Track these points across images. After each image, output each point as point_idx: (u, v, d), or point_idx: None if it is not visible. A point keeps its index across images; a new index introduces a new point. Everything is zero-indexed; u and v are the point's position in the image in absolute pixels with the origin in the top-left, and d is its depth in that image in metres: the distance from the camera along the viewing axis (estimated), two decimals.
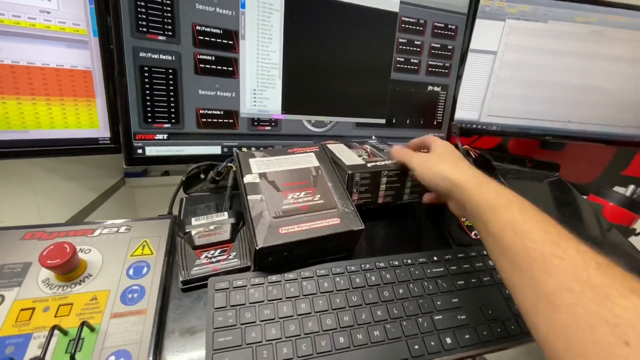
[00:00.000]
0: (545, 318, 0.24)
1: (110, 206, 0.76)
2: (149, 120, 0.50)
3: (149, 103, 0.50)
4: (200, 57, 0.51)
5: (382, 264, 0.41)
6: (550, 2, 0.68)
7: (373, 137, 0.64)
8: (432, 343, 0.35)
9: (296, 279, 0.38)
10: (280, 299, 0.36)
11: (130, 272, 0.38)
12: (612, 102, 0.75)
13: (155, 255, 0.40)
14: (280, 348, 0.33)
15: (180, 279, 0.37)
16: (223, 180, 0.51)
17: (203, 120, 0.54)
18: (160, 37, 0.48)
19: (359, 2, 0.58)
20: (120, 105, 0.48)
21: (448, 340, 0.36)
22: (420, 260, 0.42)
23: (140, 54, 0.48)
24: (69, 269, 0.36)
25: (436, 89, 0.68)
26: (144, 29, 0.47)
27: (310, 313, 0.35)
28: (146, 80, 0.49)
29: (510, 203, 0.31)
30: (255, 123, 0.58)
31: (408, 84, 0.66)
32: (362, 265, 0.40)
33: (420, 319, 0.37)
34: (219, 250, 0.40)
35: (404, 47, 0.63)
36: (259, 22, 0.53)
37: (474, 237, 0.48)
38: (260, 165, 0.44)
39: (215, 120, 0.55)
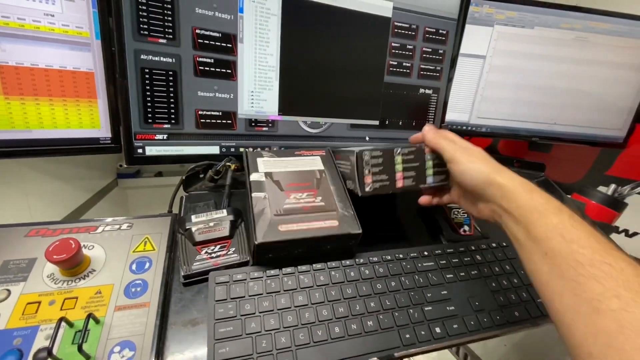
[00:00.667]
0: (585, 322, 0.24)
1: (103, 207, 0.76)
2: (149, 120, 0.52)
3: (149, 104, 0.51)
4: (200, 59, 0.53)
5: (375, 259, 0.43)
6: (537, 9, 0.71)
7: (367, 138, 0.66)
8: (422, 332, 0.37)
9: (293, 273, 0.40)
10: (279, 291, 0.38)
11: (133, 267, 0.40)
12: (596, 105, 0.79)
13: (157, 251, 0.42)
14: (278, 337, 0.34)
15: (182, 274, 0.39)
16: (221, 179, 0.53)
17: (202, 121, 0.55)
18: (161, 40, 0.50)
19: (353, 7, 0.60)
20: (121, 106, 0.49)
21: (437, 329, 0.38)
22: (411, 255, 0.44)
23: (142, 57, 0.49)
24: (74, 264, 0.37)
25: (428, 91, 0.70)
26: (145, 33, 0.49)
27: (307, 305, 0.37)
28: (147, 82, 0.50)
29: (559, 210, 0.30)
30: (253, 124, 0.59)
31: (400, 86, 0.68)
32: (357, 260, 0.42)
33: (411, 310, 0.39)
34: (218, 246, 0.42)
35: (396, 51, 0.65)
36: (256, 26, 0.55)
37: (462, 233, 0.50)
38: (267, 165, 0.46)
39: (214, 121, 0.56)
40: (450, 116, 0.75)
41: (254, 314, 0.36)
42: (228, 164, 0.52)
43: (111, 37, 0.47)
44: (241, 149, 0.59)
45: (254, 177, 0.43)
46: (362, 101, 0.66)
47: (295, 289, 0.38)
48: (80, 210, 0.67)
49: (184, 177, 0.52)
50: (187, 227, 0.42)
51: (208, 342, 0.33)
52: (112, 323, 0.35)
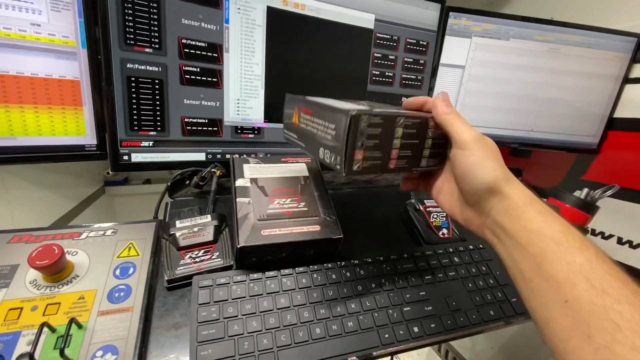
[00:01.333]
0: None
1: (90, 215, 0.76)
2: (135, 128, 0.53)
3: (135, 112, 0.52)
4: (186, 68, 0.54)
5: (356, 261, 0.44)
6: (512, 22, 0.75)
7: None
8: (401, 332, 0.38)
9: (276, 276, 0.41)
10: (261, 294, 0.39)
11: (117, 272, 0.40)
12: (570, 113, 0.82)
13: (141, 257, 0.42)
14: (260, 339, 0.35)
15: (166, 278, 0.39)
16: (207, 185, 0.54)
17: (188, 128, 0.56)
18: (147, 50, 0.51)
19: (336, 19, 0.62)
20: (107, 114, 0.50)
21: (415, 329, 0.39)
22: (391, 257, 0.46)
23: (128, 65, 0.50)
24: (57, 270, 0.37)
25: None
26: (132, 42, 0.50)
27: (289, 307, 0.38)
28: (133, 90, 0.51)
29: (583, 244, 0.24)
30: (239, 131, 0.60)
31: (383, 95, 0.70)
32: (338, 262, 0.43)
33: (390, 311, 0.40)
34: (202, 251, 0.42)
35: (379, 61, 0.68)
36: (242, 36, 0.57)
37: (441, 236, 0.52)
38: (252, 171, 0.47)
39: (200, 128, 0.57)
40: None
41: (237, 316, 0.36)
42: (213, 170, 0.53)
43: (97, 46, 0.48)
44: (227, 156, 0.60)
45: (239, 182, 0.44)
46: None
47: (278, 291, 0.39)
48: (65, 218, 0.67)
49: (169, 184, 0.53)
50: (172, 233, 0.43)
51: (190, 344, 0.34)
52: (95, 328, 0.35)
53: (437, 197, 0.35)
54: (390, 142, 0.32)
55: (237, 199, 0.42)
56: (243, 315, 0.37)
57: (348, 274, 0.43)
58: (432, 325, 0.40)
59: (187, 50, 0.53)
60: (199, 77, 0.55)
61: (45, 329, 0.33)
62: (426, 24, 0.70)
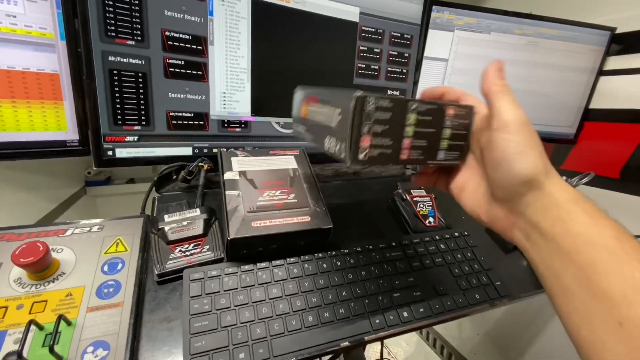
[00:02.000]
0: None
1: (70, 217, 0.73)
2: (119, 122, 0.51)
3: (118, 106, 0.51)
4: (170, 61, 0.53)
5: (346, 250, 0.45)
6: (493, 15, 0.77)
7: None
8: (391, 317, 0.40)
9: (267, 267, 0.41)
10: (253, 285, 0.39)
11: (105, 268, 0.40)
12: (549, 104, 0.85)
13: (130, 252, 0.42)
14: (254, 329, 0.35)
15: (156, 272, 0.39)
16: (194, 179, 0.53)
17: (173, 122, 0.56)
18: (130, 42, 0.50)
19: (322, 12, 0.62)
20: (89, 108, 0.49)
21: (405, 314, 0.40)
22: (380, 245, 0.47)
23: (110, 58, 0.49)
24: (42, 267, 0.37)
25: (395, 93, 0.74)
26: (113, 34, 0.48)
27: (281, 296, 0.39)
28: (115, 83, 0.50)
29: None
30: (226, 125, 0.60)
31: (369, 88, 0.71)
32: (329, 252, 0.44)
33: (380, 297, 0.41)
34: (192, 244, 0.42)
35: (364, 54, 0.68)
36: (227, 29, 0.56)
37: (427, 224, 0.53)
38: (241, 164, 0.47)
39: (186, 122, 0.57)
40: None
41: (229, 307, 0.37)
42: (201, 164, 0.53)
43: (77, 38, 0.47)
44: (214, 150, 0.60)
45: (228, 175, 0.44)
46: None
47: (270, 282, 0.40)
48: (45, 221, 0.64)
49: (156, 178, 0.52)
50: (160, 227, 0.42)
51: (184, 337, 0.34)
52: (85, 324, 0.34)
53: (459, 195, 0.31)
54: (401, 130, 0.28)
55: (226, 192, 0.42)
56: (236, 306, 0.37)
57: (338, 263, 0.43)
58: (421, 310, 0.41)
59: (171, 43, 0.53)
60: (184, 70, 0.54)
61: (33, 327, 0.33)
62: (410, 18, 0.71)
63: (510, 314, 1.08)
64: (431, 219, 0.54)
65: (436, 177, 0.35)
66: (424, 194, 0.58)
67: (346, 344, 0.36)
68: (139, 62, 0.51)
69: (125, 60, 0.50)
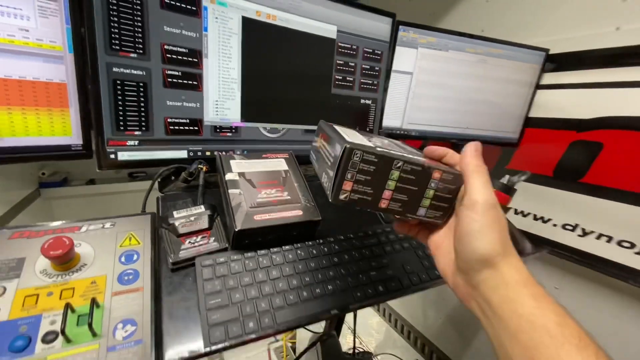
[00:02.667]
0: None
1: (23, 221, 0.70)
2: (121, 128, 0.56)
3: (121, 113, 0.55)
4: (169, 72, 0.58)
5: (331, 239, 0.53)
6: (449, 35, 0.88)
7: None
8: (369, 291, 0.49)
9: (267, 254, 0.48)
10: (256, 269, 0.46)
11: (122, 259, 0.45)
12: (497, 113, 0.99)
13: (142, 245, 0.47)
14: (259, 303, 0.43)
15: (170, 261, 0.45)
16: (194, 180, 0.59)
17: (171, 127, 0.61)
18: (132, 55, 0.54)
19: (304, 29, 0.70)
20: (94, 115, 0.53)
21: (380, 288, 0.49)
22: (359, 234, 0.56)
23: (114, 69, 0.53)
24: (68, 259, 0.41)
25: (367, 102, 0.83)
26: (117, 47, 0.53)
27: (279, 277, 0.46)
28: (118, 92, 0.54)
29: (581, 340, 0.22)
30: (218, 130, 0.66)
31: (345, 97, 0.80)
32: (317, 240, 0.52)
33: (360, 275, 0.50)
34: (200, 237, 0.48)
35: (341, 68, 0.77)
36: (219, 43, 0.62)
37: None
38: (239, 166, 0.53)
39: (182, 127, 0.62)
40: (386, 122, 0.89)
41: (237, 287, 0.44)
42: (200, 166, 0.58)
43: (84, 51, 0.51)
44: (207, 153, 0.66)
45: (229, 176, 0.51)
46: (314, 110, 0.76)
47: (270, 266, 0.47)
48: None
49: (159, 180, 0.57)
50: (171, 222, 0.48)
51: (201, 312, 0.41)
52: (112, 306, 0.40)
53: (435, 252, 0.33)
54: (383, 182, 0.31)
55: (229, 190, 0.49)
56: (242, 286, 0.44)
57: (326, 249, 0.52)
58: (393, 284, 0.50)
59: (170, 56, 0.58)
60: (181, 81, 0.60)
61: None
62: (381, 36, 0.81)
63: None
64: None
65: (418, 229, 0.37)
66: None
67: (335, 312, 0.45)
68: (141, 73, 0.56)
69: (128, 71, 0.55)
